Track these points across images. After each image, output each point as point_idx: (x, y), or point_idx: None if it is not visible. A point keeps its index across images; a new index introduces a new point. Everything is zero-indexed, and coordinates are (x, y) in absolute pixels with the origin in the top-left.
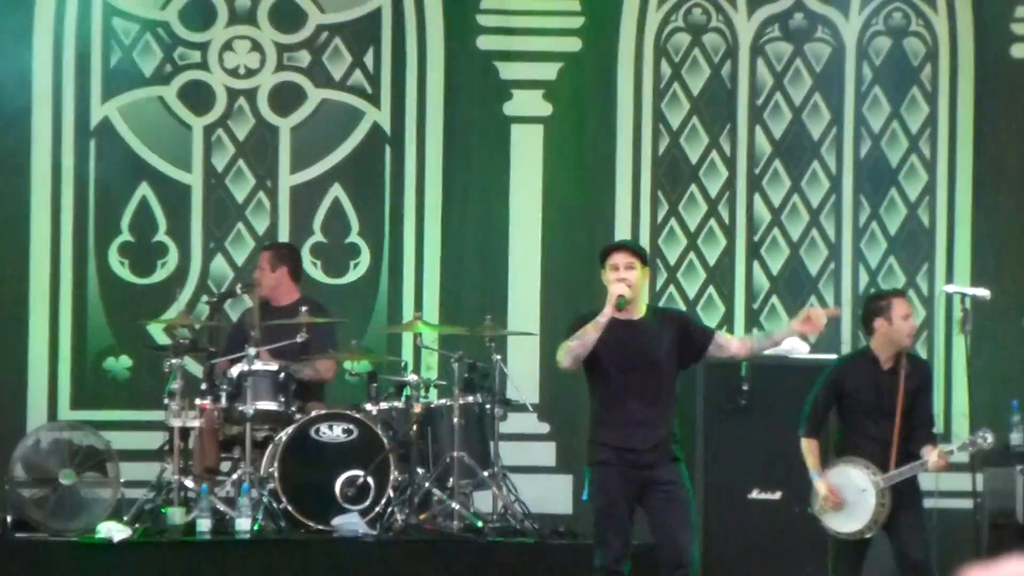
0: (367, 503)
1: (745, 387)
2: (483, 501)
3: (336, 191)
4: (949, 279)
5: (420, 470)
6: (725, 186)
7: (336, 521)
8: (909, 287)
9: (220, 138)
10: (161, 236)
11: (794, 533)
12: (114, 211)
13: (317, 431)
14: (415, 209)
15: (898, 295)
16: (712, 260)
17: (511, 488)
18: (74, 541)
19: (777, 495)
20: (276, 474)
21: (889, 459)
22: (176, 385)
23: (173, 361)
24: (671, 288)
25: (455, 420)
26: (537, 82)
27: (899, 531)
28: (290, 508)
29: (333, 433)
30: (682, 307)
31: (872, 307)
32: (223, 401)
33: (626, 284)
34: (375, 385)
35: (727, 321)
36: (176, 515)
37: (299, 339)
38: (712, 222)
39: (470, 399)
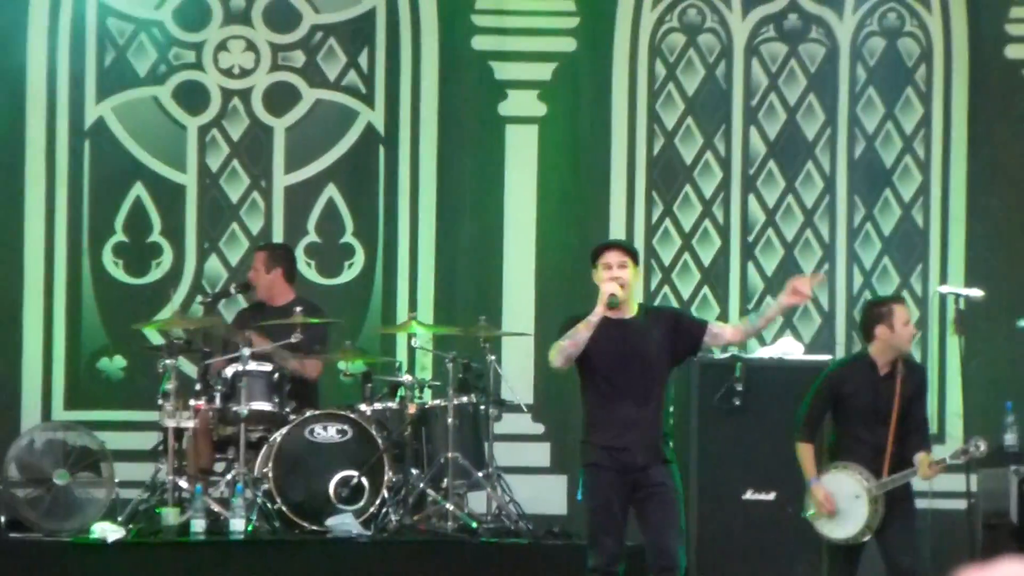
0: (361, 504)
1: (739, 388)
2: (477, 502)
3: (330, 191)
4: (943, 280)
5: (414, 471)
6: (720, 186)
7: (330, 522)
8: (903, 288)
9: (215, 138)
10: (155, 236)
11: (787, 534)
12: (108, 211)
13: (312, 431)
14: (409, 209)
15: (898, 301)
16: (707, 260)
17: (505, 489)
18: (68, 541)
19: (771, 496)
20: (270, 474)
21: (883, 465)
22: (170, 385)
23: (167, 361)
24: (666, 288)
25: (449, 421)
26: (532, 82)
27: (889, 537)
28: (284, 509)
29: (327, 433)
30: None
31: (873, 314)
32: (217, 401)
33: (618, 283)
34: (370, 385)
35: (722, 321)
36: (170, 515)
37: (293, 339)
38: (707, 222)
39: (464, 400)
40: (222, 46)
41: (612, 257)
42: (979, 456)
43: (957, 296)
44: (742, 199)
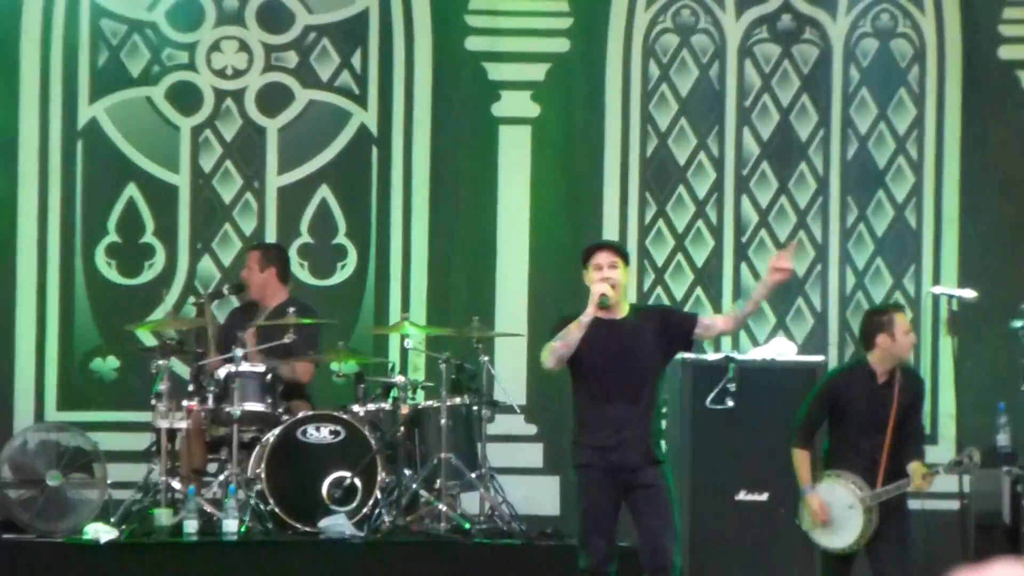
0: (354, 505)
1: (732, 388)
2: (470, 503)
3: (323, 192)
4: (936, 281)
5: (407, 472)
6: (713, 187)
7: (323, 523)
8: (896, 289)
9: (207, 139)
10: (148, 237)
11: (780, 535)
12: (101, 211)
13: (304, 432)
14: (402, 210)
15: (899, 310)
16: (700, 261)
17: (498, 489)
18: (61, 542)
19: (763, 497)
20: (263, 475)
21: (878, 474)
22: (163, 386)
23: (160, 362)
24: (659, 289)
25: (442, 421)
26: (525, 83)
27: (880, 550)
28: (277, 510)
29: (320, 434)
30: None
31: (874, 322)
32: (210, 402)
33: (609, 283)
34: (363, 386)
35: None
36: (163, 516)
37: (287, 340)
38: (700, 223)
39: (457, 400)
40: (215, 47)
41: (602, 258)
42: (973, 466)
43: (950, 297)
44: (735, 200)
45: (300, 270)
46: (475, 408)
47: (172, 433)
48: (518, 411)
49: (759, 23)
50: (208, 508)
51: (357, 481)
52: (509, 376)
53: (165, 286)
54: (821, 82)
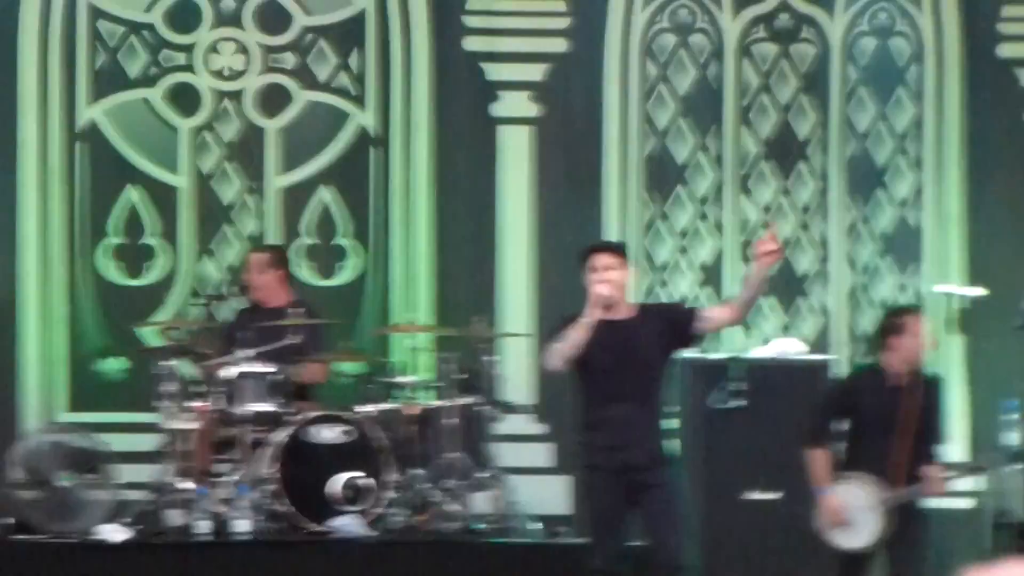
0: (365, 504)
1: (741, 387)
2: (481, 503)
3: (324, 193)
4: (939, 279)
5: (417, 471)
6: (713, 186)
7: (334, 523)
8: (898, 287)
9: (206, 140)
10: (149, 238)
11: (791, 533)
12: (102, 213)
13: (316, 432)
14: (403, 211)
15: (915, 312)
16: (702, 260)
17: (509, 489)
18: (72, 543)
19: (774, 495)
20: (274, 475)
21: (895, 477)
22: (171, 387)
23: (167, 363)
24: (659, 289)
25: (452, 421)
26: (524, 83)
27: (896, 552)
28: (288, 510)
29: (332, 434)
30: None
31: (890, 324)
32: (218, 403)
33: (607, 285)
34: (370, 386)
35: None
36: (174, 517)
37: (291, 340)
38: (700, 222)
39: (466, 400)
40: (213, 48)
41: (600, 260)
42: (991, 469)
43: (955, 295)
44: (735, 199)
45: (301, 271)
46: (484, 408)
47: (181, 434)
48: (528, 410)
49: (757, 22)
50: (219, 508)
51: (367, 481)
52: (516, 376)
53: (167, 288)
54: (819, 81)
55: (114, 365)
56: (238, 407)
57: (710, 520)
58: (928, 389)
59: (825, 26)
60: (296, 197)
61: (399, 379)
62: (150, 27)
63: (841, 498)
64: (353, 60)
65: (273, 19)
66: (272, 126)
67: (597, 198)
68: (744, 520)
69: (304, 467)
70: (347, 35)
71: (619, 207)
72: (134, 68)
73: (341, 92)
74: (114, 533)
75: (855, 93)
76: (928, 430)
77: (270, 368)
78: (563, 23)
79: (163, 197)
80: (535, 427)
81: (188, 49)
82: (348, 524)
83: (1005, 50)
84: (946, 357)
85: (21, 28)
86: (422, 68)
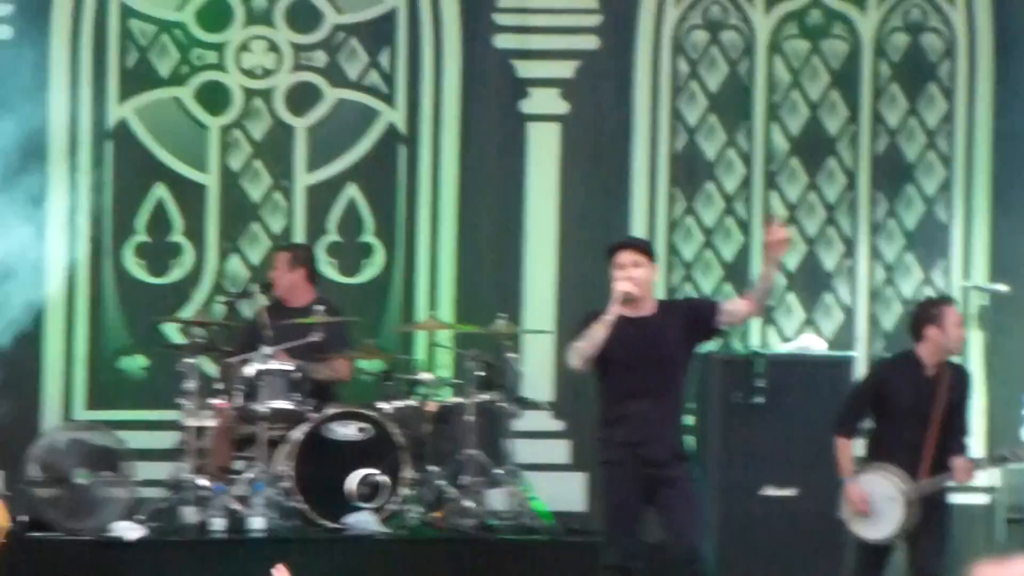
0: (381, 501)
1: (761, 383)
2: (497, 499)
3: (351, 191)
4: (966, 275)
5: (434, 468)
6: (741, 182)
7: (350, 519)
8: (925, 283)
9: (236, 138)
10: (177, 236)
11: (808, 530)
12: (130, 211)
13: (331, 429)
14: (430, 208)
15: (950, 303)
16: (728, 257)
17: (525, 486)
18: (89, 540)
19: (792, 492)
20: (290, 472)
21: (921, 467)
22: (191, 384)
23: (188, 360)
24: (687, 285)
25: (469, 418)
26: (554, 80)
27: (919, 544)
28: (304, 507)
29: (347, 431)
30: None
31: (925, 314)
32: (238, 400)
33: (630, 282)
34: (389, 383)
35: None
36: (190, 514)
37: (315, 338)
38: (728, 219)
39: (484, 397)
40: (244, 46)
41: (624, 257)
42: (1016, 460)
43: (982, 290)
44: (764, 195)
45: (328, 268)
46: (502, 404)
47: (200, 431)
48: (546, 407)
49: (788, 19)
50: (235, 506)
51: (384, 478)
52: (537, 372)
53: (193, 285)
54: (850, 77)
55: (134, 363)
56: (257, 404)
57: (729, 516)
58: (958, 380)
59: (857, 22)
60: (323, 195)
61: (419, 376)
62: (181, 26)
63: (865, 488)
64: (383, 58)
65: (304, 17)
66: (301, 124)
67: (625, 195)
68: (761, 516)
69: (321, 464)
70: (378, 33)
71: (647, 204)
72: (165, 67)
73: (371, 90)
74: (129, 531)
75: (886, 89)
76: (957, 422)
77: (289, 366)
78: (594, 20)
79: (191, 195)
80: (553, 424)
81: (219, 48)
82: (362, 521)
83: None
84: (966, 352)
85: (52, 27)
86: (452, 66)
